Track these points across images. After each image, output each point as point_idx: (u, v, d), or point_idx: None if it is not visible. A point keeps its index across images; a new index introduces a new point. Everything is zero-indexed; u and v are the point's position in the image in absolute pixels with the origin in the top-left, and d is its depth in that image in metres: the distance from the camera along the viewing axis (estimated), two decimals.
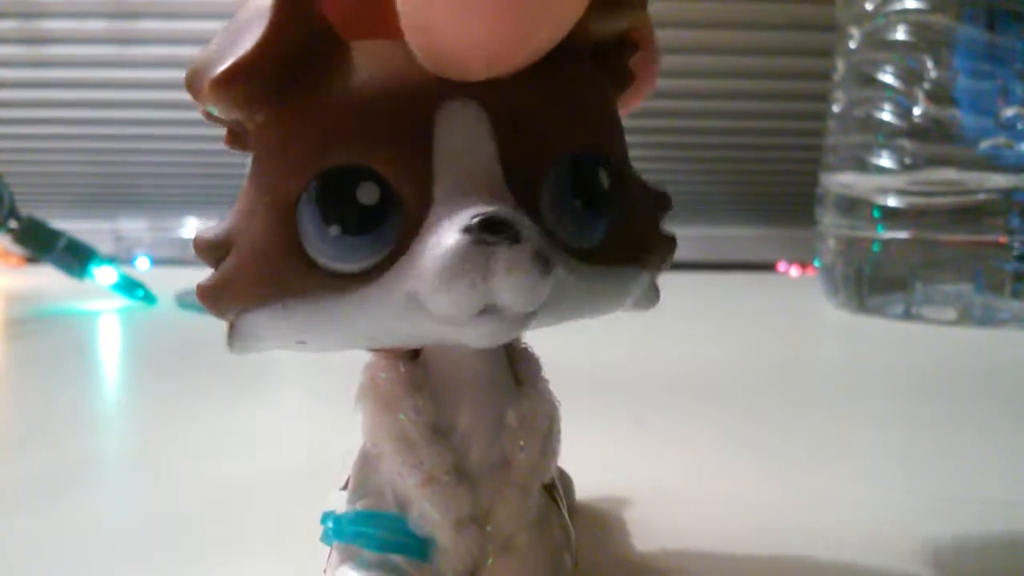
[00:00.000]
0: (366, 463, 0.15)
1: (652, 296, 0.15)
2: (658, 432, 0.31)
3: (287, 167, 0.13)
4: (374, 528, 0.14)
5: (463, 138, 0.12)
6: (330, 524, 0.15)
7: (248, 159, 0.14)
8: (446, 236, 0.12)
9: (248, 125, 0.13)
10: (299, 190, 0.12)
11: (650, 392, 0.38)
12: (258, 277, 0.13)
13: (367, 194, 0.12)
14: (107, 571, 0.19)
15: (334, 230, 0.12)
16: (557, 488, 0.16)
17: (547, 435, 0.15)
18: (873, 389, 0.41)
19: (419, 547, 0.14)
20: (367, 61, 0.13)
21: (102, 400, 0.39)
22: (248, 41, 0.12)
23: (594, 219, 0.13)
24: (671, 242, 0.15)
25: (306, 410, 0.36)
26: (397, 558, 0.14)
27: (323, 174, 0.12)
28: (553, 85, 0.13)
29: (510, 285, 0.11)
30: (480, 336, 0.12)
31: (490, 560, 0.14)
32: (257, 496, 0.24)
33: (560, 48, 0.13)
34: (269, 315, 0.13)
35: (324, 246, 0.12)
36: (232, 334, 0.14)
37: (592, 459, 0.22)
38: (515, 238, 0.11)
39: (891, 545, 0.21)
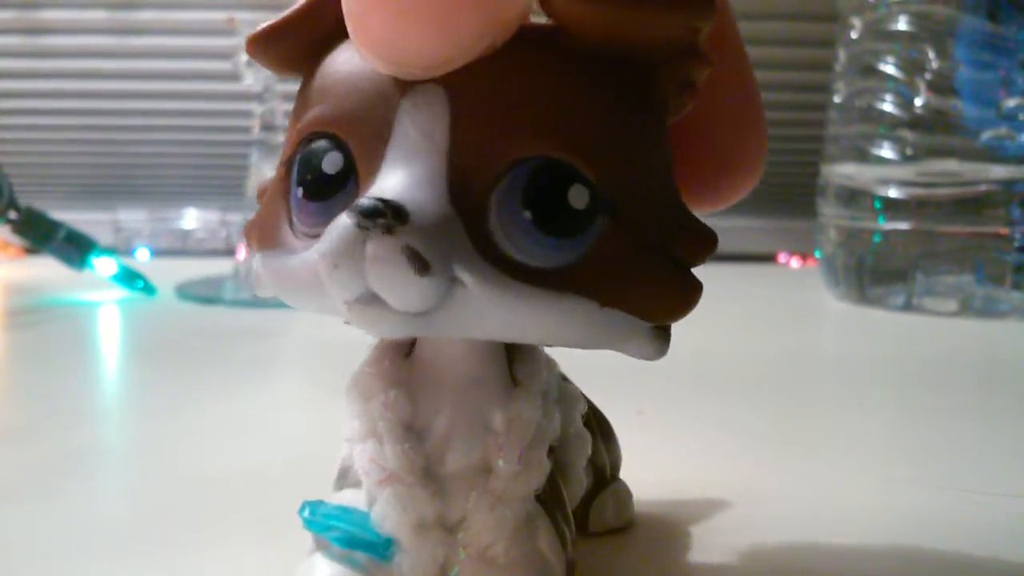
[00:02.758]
0: (348, 456, 0.15)
1: (653, 347, 0.13)
2: (659, 423, 0.31)
3: (291, 130, 0.14)
4: (343, 523, 0.14)
5: (419, 124, 0.12)
6: (306, 513, 0.15)
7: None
8: (340, 218, 0.12)
9: None
10: (293, 152, 0.14)
11: (651, 382, 0.38)
12: (259, 226, 0.14)
13: (331, 163, 0.13)
14: (106, 561, 0.19)
15: (299, 192, 0.13)
16: (561, 500, 0.16)
17: (532, 444, 0.14)
18: (874, 380, 0.41)
19: (382, 547, 0.14)
20: None
21: (101, 391, 0.39)
22: (294, 6, 0.14)
23: (553, 240, 0.12)
24: (691, 291, 0.13)
25: (306, 401, 0.36)
26: (361, 555, 0.14)
27: (305, 139, 0.13)
28: (536, 86, 0.12)
29: (375, 275, 0.11)
30: (362, 322, 0.12)
31: (455, 569, 0.14)
32: (256, 487, 0.24)
33: (567, 52, 0.12)
34: (260, 260, 0.14)
35: (294, 207, 0.13)
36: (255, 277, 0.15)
37: None
38: (387, 227, 0.11)
39: (891, 536, 0.21)
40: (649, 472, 0.25)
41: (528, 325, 0.12)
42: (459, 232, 0.12)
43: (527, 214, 0.12)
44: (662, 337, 0.13)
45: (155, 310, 0.61)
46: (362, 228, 0.11)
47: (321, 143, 0.13)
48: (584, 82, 0.12)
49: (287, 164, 0.14)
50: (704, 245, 0.13)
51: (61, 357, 0.45)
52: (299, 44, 0.14)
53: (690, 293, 0.13)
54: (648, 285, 0.12)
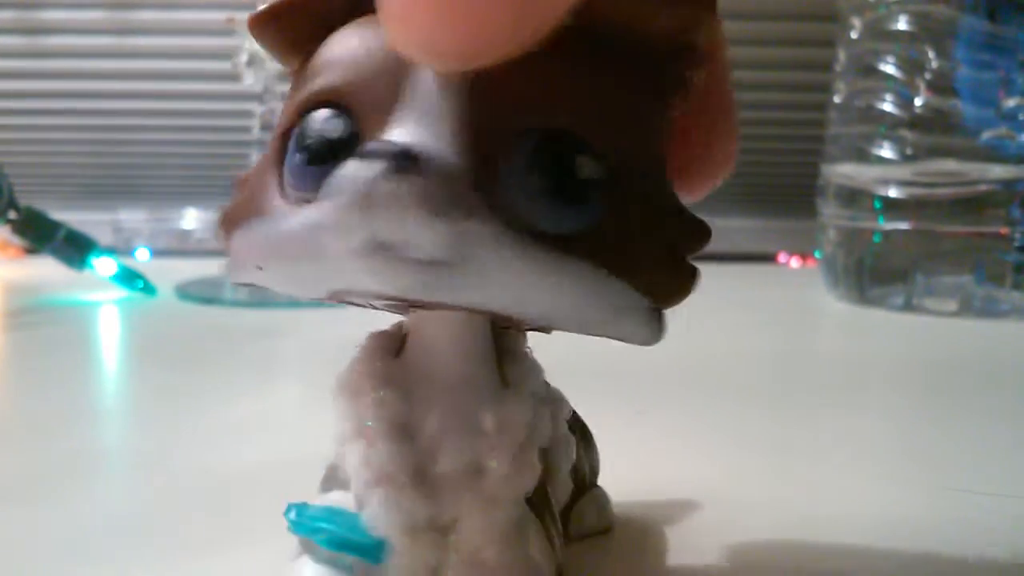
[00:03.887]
0: (337, 456, 0.15)
1: (650, 330, 0.13)
2: (659, 423, 0.31)
3: (289, 106, 0.14)
4: (331, 524, 0.14)
5: (434, 88, 0.12)
6: (293, 515, 0.15)
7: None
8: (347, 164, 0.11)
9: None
10: (291, 123, 0.13)
11: (651, 383, 0.38)
12: (240, 205, 0.14)
13: (335, 127, 0.12)
14: (106, 563, 0.19)
15: (299, 158, 0.13)
16: (550, 504, 0.15)
17: (524, 445, 0.14)
18: (874, 381, 0.41)
19: (372, 549, 0.14)
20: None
21: (101, 391, 0.39)
22: None
23: (563, 205, 0.12)
24: (688, 276, 0.13)
25: (307, 401, 0.36)
26: (350, 558, 0.14)
27: (309, 105, 0.13)
28: (551, 60, 0.12)
29: (388, 215, 0.11)
30: (373, 274, 0.11)
31: (448, 573, 0.14)
32: (256, 487, 0.24)
33: (572, 31, 0.12)
34: (240, 235, 0.14)
35: (292, 173, 0.13)
36: (230, 259, 0.14)
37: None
38: (401, 167, 0.11)
39: (891, 536, 0.21)
40: (648, 472, 0.25)
41: (538, 291, 0.12)
42: (471, 187, 0.11)
43: (538, 179, 0.12)
44: (659, 320, 0.13)
45: (155, 310, 0.61)
46: (376, 168, 0.11)
47: (325, 110, 0.13)
48: (594, 62, 0.12)
49: (283, 136, 0.13)
50: (699, 236, 0.13)
51: (61, 357, 0.45)
52: (305, 25, 0.14)
53: (688, 278, 0.13)
54: (651, 262, 0.13)
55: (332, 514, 0.14)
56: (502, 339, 0.15)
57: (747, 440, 0.29)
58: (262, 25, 0.14)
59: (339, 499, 0.14)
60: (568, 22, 0.12)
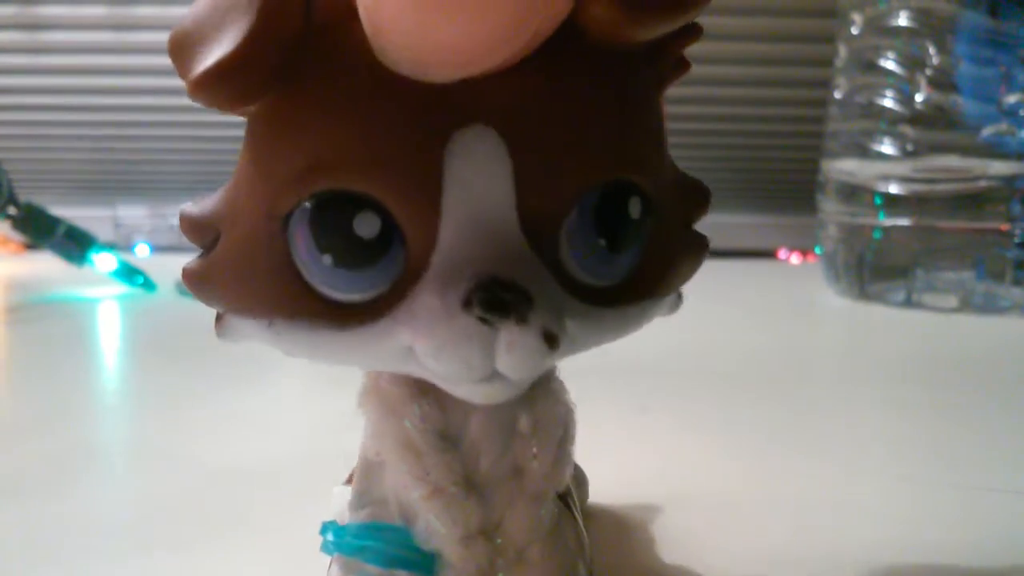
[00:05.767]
0: (369, 471, 0.14)
1: (675, 305, 0.14)
2: (661, 419, 0.31)
3: (279, 173, 0.11)
4: (378, 541, 0.13)
5: (477, 174, 0.11)
6: (330, 536, 0.14)
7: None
8: (447, 304, 0.11)
9: None
10: (291, 206, 0.11)
11: (653, 379, 0.38)
12: (244, 285, 0.12)
13: (366, 226, 0.11)
14: (106, 557, 0.19)
15: (327, 259, 0.11)
16: (571, 494, 0.16)
17: (561, 441, 0.14)
18: (874, 377, 0.41)
19: (425, 562, 0.13)
20: (374, 63, 0.11)
21: (102, 387, 0.39)
22: (233, 33, 0.11)
23: (619, 257, 0.12)
24: (701, 246, 0.14)
25: (306, 397, 0.36)
26: (402, 573, 0.13)
27: (318, 195, 0.11)
28: (582, 106, 0.11)
29: (512, 362, 0.11)
30: (477, 397, 0.12)
31: (500, 574, 0.13)
32: (256, 482, 0.24)
33: (591, 54, 0.11)
34: (255, 326, 0.12)
35: (317, 272, 0.11)
36: (219, 324, 0.13)
37: (595, 446, 0.22)
38: (522, 317, 0.10)
39: (889, 530, 0.21)
40: (651, 467, 0.25)
41: (605, 339, 0.13)
42: (553, 283, 0.11)
43: (602, 241, 0.12)
44: (680, 297, 0.14)
45: (155, 306, 0.61)
46: (491, 323, 0.10)
47: (346, 200, 0.11)
48: (619, 91, 0.12)
49: (273, 220, 0.11)
50: (703, 200, 0.14)
51: (61, 353, 0.45)
52: (264, 70, 0.11)
53: (704, 251, 0.14)
54: (684, 262, 0.13)
55: (376, 531, 0.14)
56: None
57: (748, 435, 0.29)
58: (212, 84, 0.11)
59: (375, 514, 0.14)
60: (564, 29, 0.11)
